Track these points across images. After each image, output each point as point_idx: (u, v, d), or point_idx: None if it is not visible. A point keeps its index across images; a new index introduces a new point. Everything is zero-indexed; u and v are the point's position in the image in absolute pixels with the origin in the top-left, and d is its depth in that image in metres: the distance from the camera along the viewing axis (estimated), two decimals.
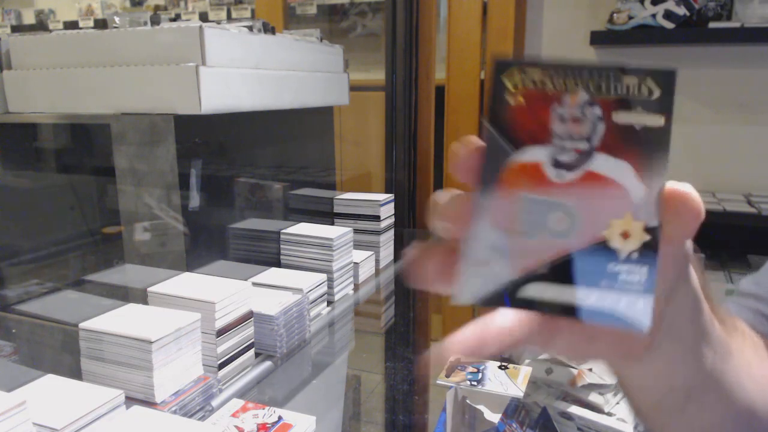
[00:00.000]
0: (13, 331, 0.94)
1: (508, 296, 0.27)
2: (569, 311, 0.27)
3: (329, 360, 1.03)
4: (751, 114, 2.03)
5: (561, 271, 0.27)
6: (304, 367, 0.96)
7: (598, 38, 2.05)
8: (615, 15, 2.00)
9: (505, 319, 0.30)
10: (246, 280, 0.91)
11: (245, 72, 1.06)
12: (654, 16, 1.94)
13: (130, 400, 0.68)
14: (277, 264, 1.16)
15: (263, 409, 0.72)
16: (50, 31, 1.39)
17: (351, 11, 2.62)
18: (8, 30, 3.31)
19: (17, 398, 0.56)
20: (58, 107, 1.07)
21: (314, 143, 1.47)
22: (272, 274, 1.06)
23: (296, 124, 1.33)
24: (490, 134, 0.27)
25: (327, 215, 1.37)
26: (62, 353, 0.86)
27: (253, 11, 2.57)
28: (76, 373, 0.74)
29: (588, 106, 0.26)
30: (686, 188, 0.26)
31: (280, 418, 0.70)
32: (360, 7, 2.60)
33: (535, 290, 0.27)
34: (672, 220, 0.26)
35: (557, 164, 0.27)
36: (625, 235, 0.26)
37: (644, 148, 0.26)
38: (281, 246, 1.17)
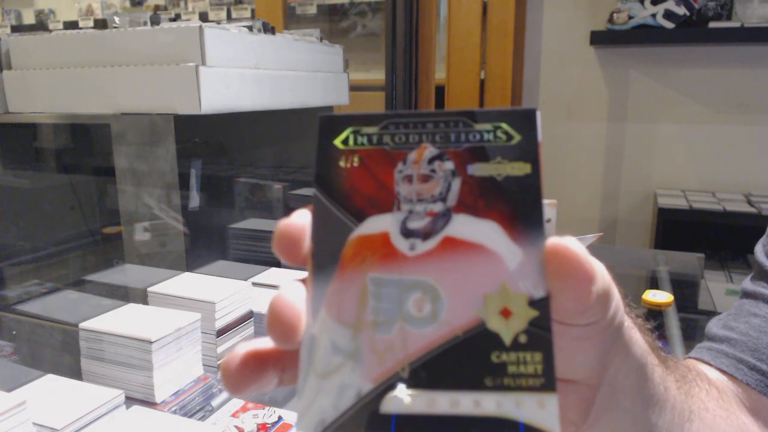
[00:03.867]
0: (14, 332, 0.94)
1: (367, 415, 0.20)
2: (450, 426, 0.20)
3: None
4: (751, 114, 2.03)
5: (430, 372, 0.20)
6: None
7: (598, 38, 2.05)
8: (615, 15, 2.00)
9: None
10: (246, 280, 0.91)
11: (245, 72, 1.06)
12: (654, 16, 1.94)
13: (130, 400, 0.68)
14: (277, 264, 1.16)
15: (263, 409, 0.71)
16: (50, 31, 1.39)
17: (351, 11, 2.62)
18: (8, 30, 3.31)
19: (17, 398, 0.56)
20: (58, 107, 1.07)
21: (314, 143, 1.47)
22: (272, 274, 1.06)
23: (296, 124, 1.33)
24: (321, 206, 0.22)
25: None
26: (62, 353, 0.86)
27: (253, 11, 2.57)
28: (76, 373, 0.74)
29: (438, 161, 0.22)
30: (569, 243, 0.20)
31: (280, 418, 0.69)
32: (360, 7, 2.60)
33: (400, 402, 0.20)
34: (558, 287, 0.20)
35: (408, 233, 0.21)
36: (506, 313, 0.20)
37: (512, 202, 0.21)
38: None
